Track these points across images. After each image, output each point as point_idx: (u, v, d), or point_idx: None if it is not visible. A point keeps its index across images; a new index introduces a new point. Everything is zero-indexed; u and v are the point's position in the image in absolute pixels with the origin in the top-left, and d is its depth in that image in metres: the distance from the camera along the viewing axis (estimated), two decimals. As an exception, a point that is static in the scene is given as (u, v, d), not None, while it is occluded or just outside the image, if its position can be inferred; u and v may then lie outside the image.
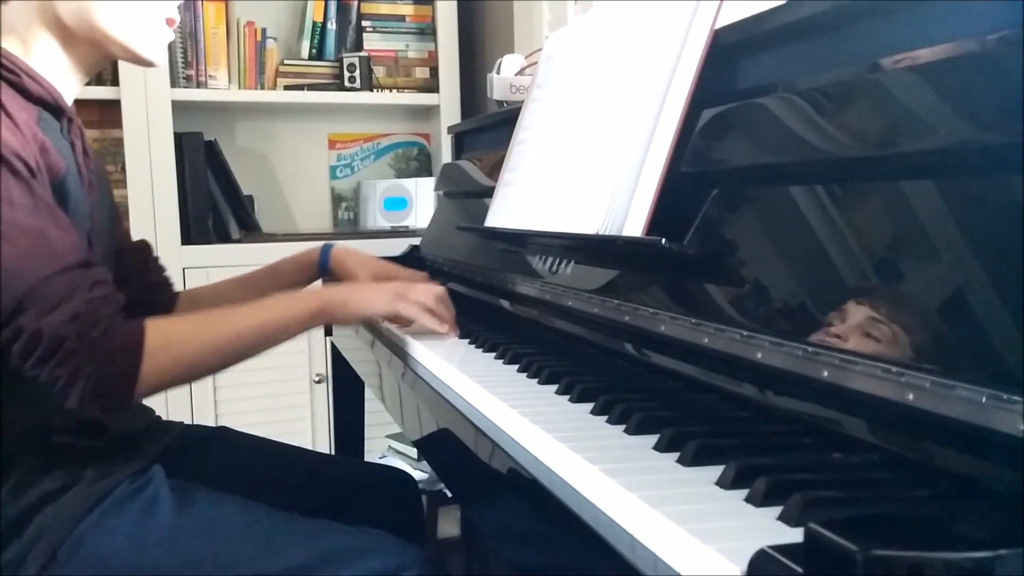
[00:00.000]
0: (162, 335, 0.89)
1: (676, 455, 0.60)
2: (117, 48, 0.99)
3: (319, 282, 1.33)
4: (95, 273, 0.88)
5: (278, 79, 2.38)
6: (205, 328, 0.94)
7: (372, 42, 2.49)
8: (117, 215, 1.15)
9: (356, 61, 2.40)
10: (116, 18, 0.96)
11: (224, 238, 2.26)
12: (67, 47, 0.97)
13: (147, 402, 1.08)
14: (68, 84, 0.99)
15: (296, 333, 1.00)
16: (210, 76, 2.29)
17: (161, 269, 1.24)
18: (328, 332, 1.77)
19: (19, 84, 0.91)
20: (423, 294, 1.09)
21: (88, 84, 1.05)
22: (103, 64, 1.05)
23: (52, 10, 0.95)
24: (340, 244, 1.33)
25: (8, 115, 0.85)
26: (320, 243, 1.33)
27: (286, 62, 2.40)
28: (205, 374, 0.97)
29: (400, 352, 1.09)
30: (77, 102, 1.02)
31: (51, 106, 0.96)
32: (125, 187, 2.12)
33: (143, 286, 1.17)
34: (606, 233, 0.94)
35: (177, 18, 1.03)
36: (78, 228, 0.93)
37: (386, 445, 2.20)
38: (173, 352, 0.90)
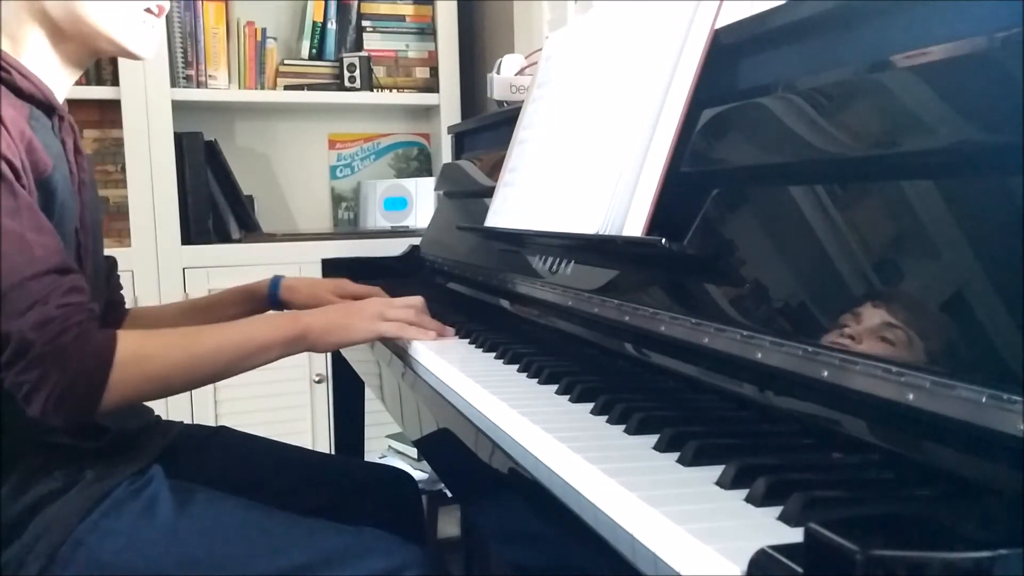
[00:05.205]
0: (134, 348, 0.88)
1: (676, 455, 0.60)
2: (105, 42, 0.98)
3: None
4: (71, 279, 0.87)
5: (278, 79, 2.38)
6: (178, 345, 0.93)
7: (372, 42, 2.49)
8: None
9: (356, 61, 2.40)
10: (102, 12, 0.96)
11: (224, 238, 2.26)
12: (57, 44, 0.97)
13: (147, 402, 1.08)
14: (60, 81, 0.99)
15: (274, 358, 0.99)
16: (210, 76, 2.29)
17: (119, 287, 1.23)
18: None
19: (10, 81, 0.91)
20: (403, 310, 1.07)
21: (88, 84, 1.05)
22: (94, 59, 1.04)
23: (41, 7, 0.95)
24: (289, 275, 1.29)
25: None
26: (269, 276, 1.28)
27: (286, 62, 2.40)
28: (177, 391, 0.95)
29: (400, 352, 1.09)
30: (77, 102, 1.02)
31: (42, 104, 0.96)
32: (125, 187, 2.12)
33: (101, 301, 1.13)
34: (606, 233, 0.94)
35: (165, 6, 1.01)
36: (64, 226, 0.92)
37: (386, 445, 2.20)
38: (144, 366, 0.88)
